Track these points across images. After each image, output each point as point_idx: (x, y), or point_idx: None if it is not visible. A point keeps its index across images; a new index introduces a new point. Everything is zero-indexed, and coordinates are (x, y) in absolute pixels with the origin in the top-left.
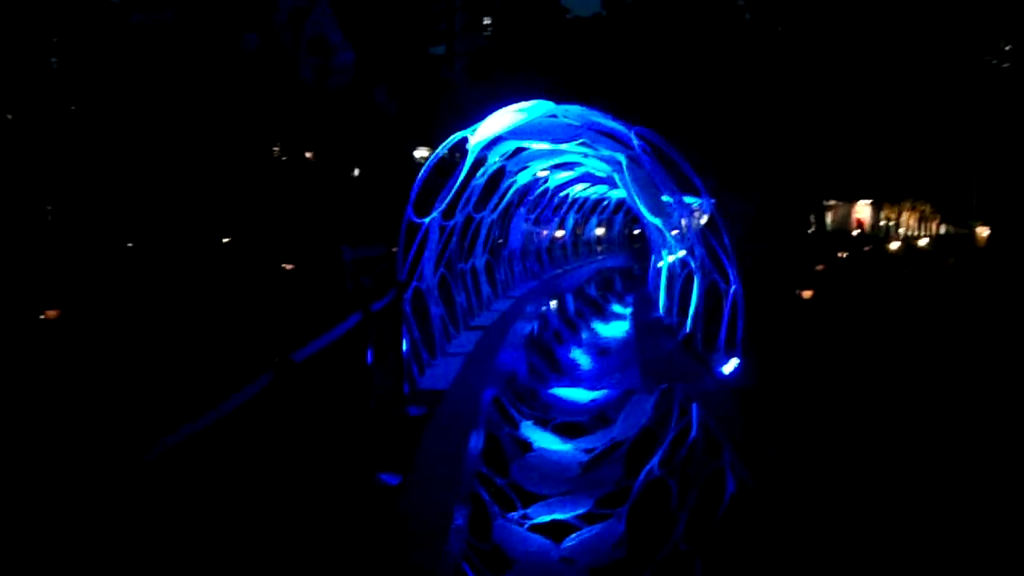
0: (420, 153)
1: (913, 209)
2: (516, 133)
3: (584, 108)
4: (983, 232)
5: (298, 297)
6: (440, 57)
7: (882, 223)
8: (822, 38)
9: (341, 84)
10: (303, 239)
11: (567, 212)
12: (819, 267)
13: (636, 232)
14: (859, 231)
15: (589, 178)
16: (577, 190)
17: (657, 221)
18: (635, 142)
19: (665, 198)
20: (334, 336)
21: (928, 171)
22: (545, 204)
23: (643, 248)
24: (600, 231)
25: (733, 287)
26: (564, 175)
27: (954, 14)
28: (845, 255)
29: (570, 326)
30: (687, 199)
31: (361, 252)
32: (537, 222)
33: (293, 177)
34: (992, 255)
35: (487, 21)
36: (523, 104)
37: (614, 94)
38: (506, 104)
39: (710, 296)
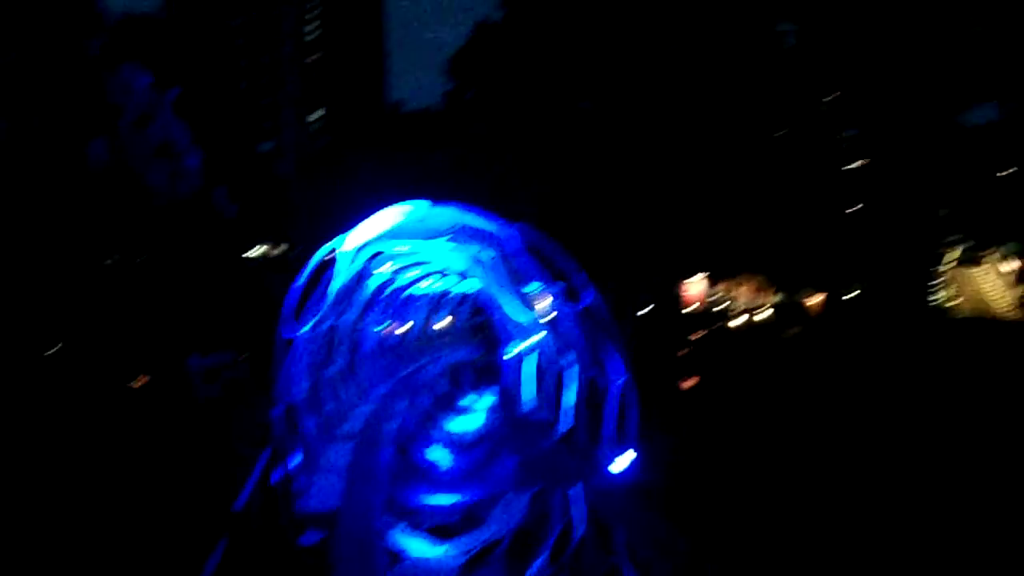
0: (258, 251)
1: (748, 283)
2: (388, 235)
3: (460, 208)
4: (815, 301)
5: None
6: (269, 154)
7: (715, 297)
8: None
9: (191, 188)
10: (149, 350)
11: (415, 308)
12: (680, 352)
13: (480, 322)
14: (695, 307)
15: (442, 272)
16: (426, 284)
17: (522, 318)
18: (513, 239)
19: (530, 287)
20: None
21: (762, 246)
22: (396, 301)
23: (487, 338)
24: (444, 323)
25: (622, 379)
26: (416, 271)
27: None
28: (700, 336)
29: (427, 421)
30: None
31: (210, 360)
32: (388, 319)
33: (133, 287)
34: (826, 322)
35: (315, 116)
36: (400, 206)
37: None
38: (342, 201)
39: (589, 388)
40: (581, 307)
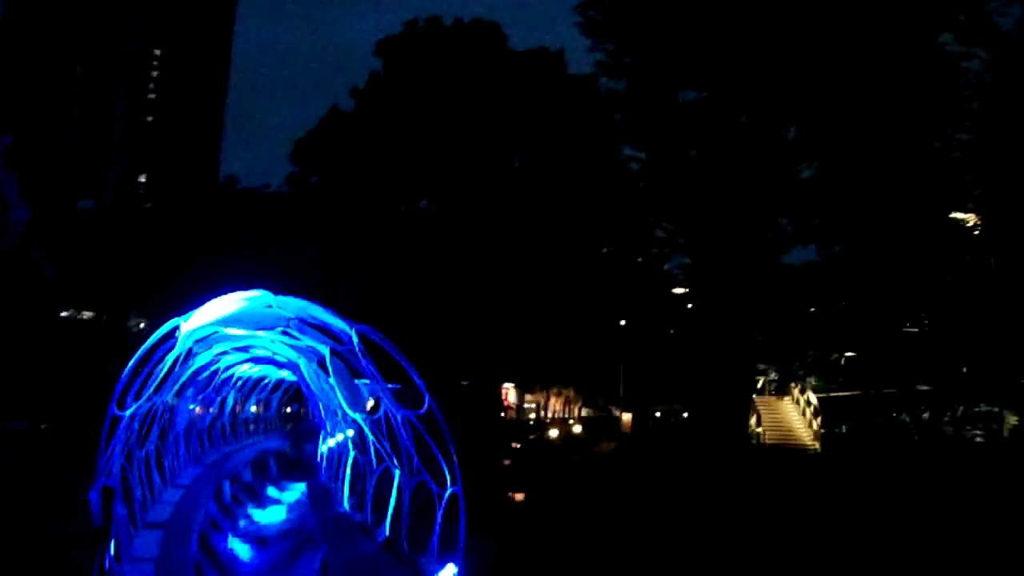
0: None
1: (559, 394)
2: (227, 321)
3: (306, 302)
4: (626, 416)
5: None
6: (91, 211)
7: (527, 405)
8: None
9: (10, 243)
10: None
11: (228, 392)
12: (506, 461)
13: (289, 411)
14: (505, 413)
15: (267, 361)
16: (243, 369)
17: (357, 416)
18: (355, 339)
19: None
20: None
21: (572, 362)
22: (212, 385)
23: (300, 430)
24: (255, 409)
25: (451, 489)
26: (239, 355)
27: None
28: (519, 446)
29: (231, 510)
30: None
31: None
32: (200, 401)
33: None
34: (636, 439)
35: (142, 179)
36: (247, 294)
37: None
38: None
39: (417, 493)
40: (417, 412)
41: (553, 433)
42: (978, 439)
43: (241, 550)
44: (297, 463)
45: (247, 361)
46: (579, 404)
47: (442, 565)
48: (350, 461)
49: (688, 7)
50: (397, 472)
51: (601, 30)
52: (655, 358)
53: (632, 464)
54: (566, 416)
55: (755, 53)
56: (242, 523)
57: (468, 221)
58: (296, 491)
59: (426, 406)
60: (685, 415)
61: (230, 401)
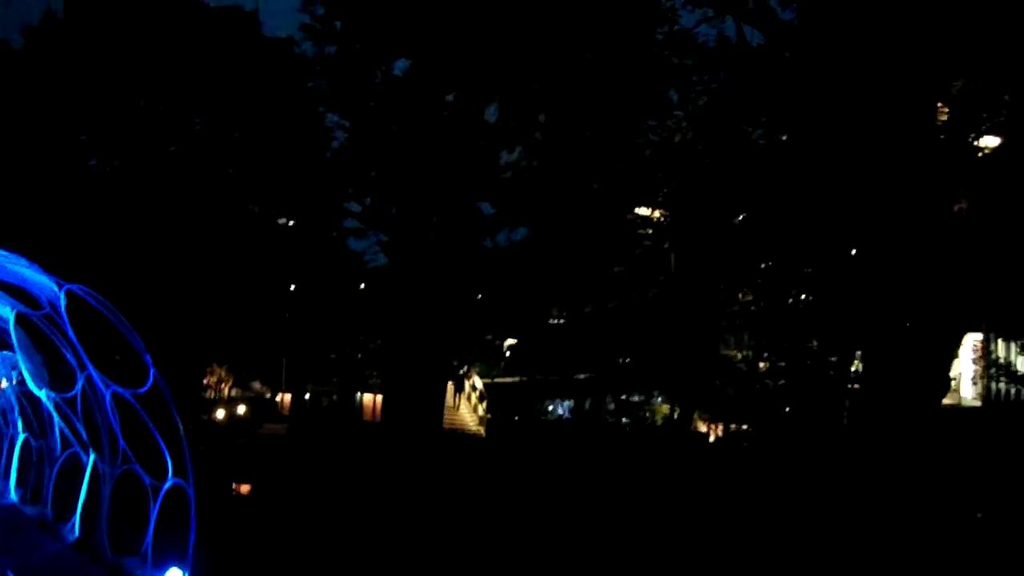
0: None
1: (212, 372)
2: None
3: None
4: (287, 397)
5: None
6: None
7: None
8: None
9: None
10: None
11: None
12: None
13: None
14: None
15: None
16: None
17: (41, 393)
18: (62, 300)
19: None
20: None
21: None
22: None
23: None
24: None
25: (171, 480)
26: None
27: None
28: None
29: None
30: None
31: None
32: None
33: None
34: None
35: None
36: None
37: None
38: None
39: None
40: (137, 391)
41: (220, 414)
42: (627, 425)
43: None
44: None
45: None
46: (230, 383)
47: (161, 570)
48: (19, 443)
49: None
50: (92, 459)
51: None
52: (328, 338)
53: (316, 447)
54: (215, 396)
55: (461, 24)
56: None
57: (144, 183)
58: None
59: (149, 383)
60: (335, 397)
61: None
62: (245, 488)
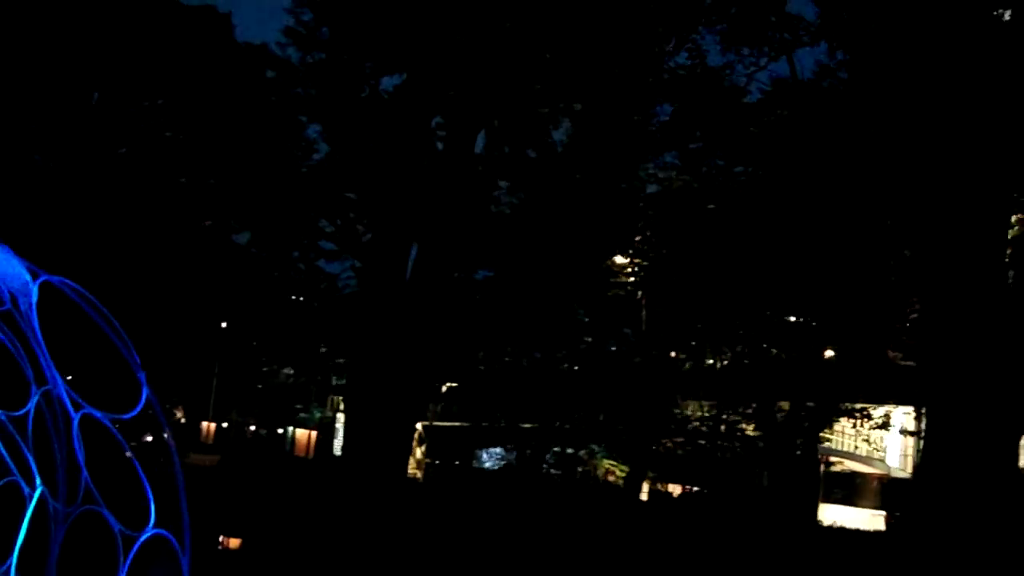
0: None
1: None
2: None
3: None
4: (212, 426)
5: None
6: None
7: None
8: None
9: None
10: None
11: None
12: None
13: None
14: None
15: None
16: None
17: None
18: (33, 295)
19: None
20: None
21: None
22: None
23: None
24: None
25: (150, 531)
26: None
27: None
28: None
29: None
30: None
31: None
32: None
33: None
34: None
35: None
36: None
37: None
38: None
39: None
40: (119, 416)
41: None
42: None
43: None
44: None
45: None
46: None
47: None
48: None
49: None
50: (37, 493)
51: None
52: (266, 364)
53: (262, 486)
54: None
55: (455, 43)
56: None
57: (86, 184)
58: None
59: (140, 406)
60: (254, 427)
61: None
62: (235, 542)
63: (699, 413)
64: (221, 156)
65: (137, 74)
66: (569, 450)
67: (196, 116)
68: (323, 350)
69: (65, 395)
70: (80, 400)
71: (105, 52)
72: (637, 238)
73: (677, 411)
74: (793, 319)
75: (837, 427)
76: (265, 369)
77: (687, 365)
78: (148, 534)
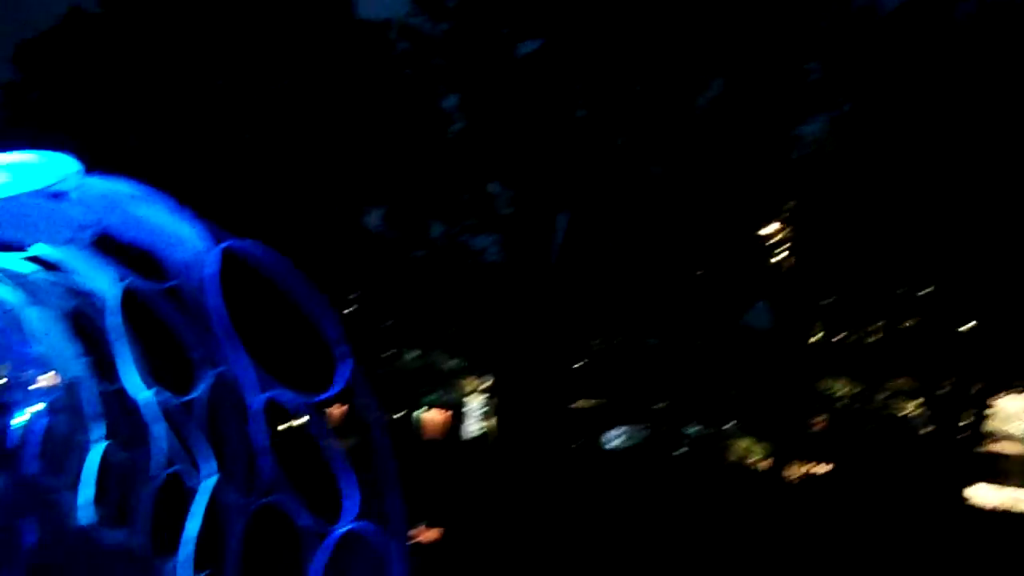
0: None
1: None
2: None
3: (132, 190)
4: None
5: None
6: None
7: None
8: None
9: None
10: None
11: None
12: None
13: None
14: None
15: None
16: None
17: (146, 394)
18: (215, 262)
19: None
20: None
21: None
22: None
23: None
24: None
25: (348, 525)
26: None
27: None
28: None
29: None
30: None
31: None
32: None
33: None
34: None
35: None
36: (30, 156)
37: None
38: None
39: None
40: (314, 398)
41: None
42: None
43: None
44: None
45: None
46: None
47: None
48: (97, 454)
49: None
50: (210, 482)
51: None
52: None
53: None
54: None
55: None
56: None
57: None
58: None
59: (340, 385)
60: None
61: None
62: (432, 534)
63: (846, 390)
64: (352, 134)
65: (262, 55)
66: (701, 429)
67: (322, 95)
68: (455, 330)
69: (247, 375)
70: (266, 380)
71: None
72: (788, 205)
73: (824, 389)
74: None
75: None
76: (390, 352)
77: (836, 338)
78: (346, 527)
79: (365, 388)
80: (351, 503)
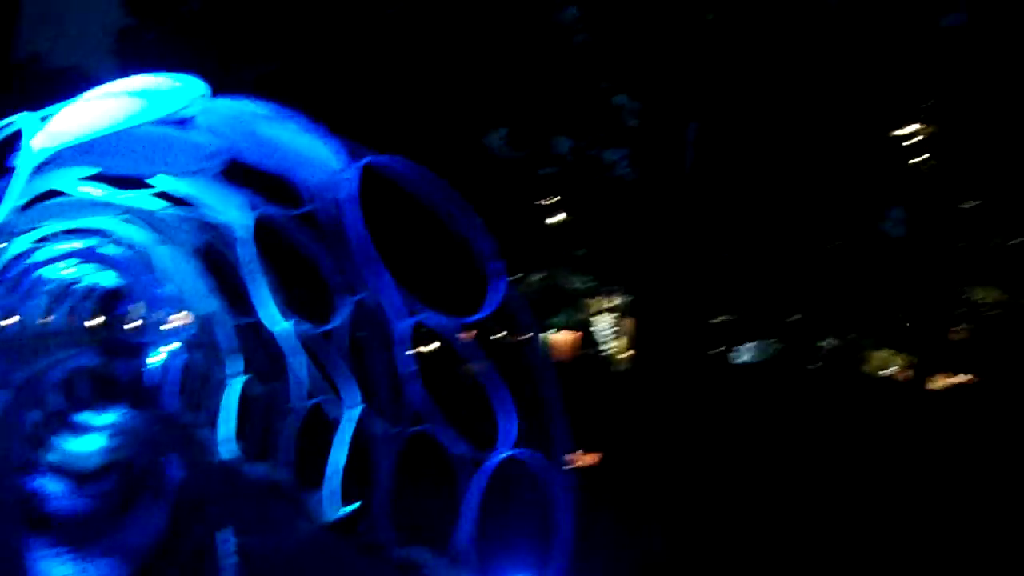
0: None
1: None
2: (107, 145)
3: (260, 109)
4: None
5: None
6: None
7: None
8: None
9: None
10: None
11: (39, 295)
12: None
13: (102, 321)
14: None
15: (92, 256)
16: (58, 268)
17: (285, 325)
18: (353, 181)
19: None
20: None
21: None
22: (23, 283)
23: (113, 341)
24: (49, 319)
25: (507, 451)
26: (67, 246)
27: None
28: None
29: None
30: None
31: None
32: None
33: None
34: None
35: None
36: (155, 80)
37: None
38: None
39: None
40: (464, 319)
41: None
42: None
43: (54, 489)
44: (116, 383)
45: (69, 256)
46: None
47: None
48: (236, 388)
49: None
50: (354, 412)
51: None
52: None
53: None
54: None
55: None
56: (53, 456)
57: None
58: (112, 416)
59: (494, 304)
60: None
61: (41, 308)
62: (589, 458)
63: (990, 298)
64: (471, 51)
65: None
66: (836, 341)
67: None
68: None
69: (391, 300)
70: (414, 305)
71: None
72: (928, 103)
73: (966, 296)
74: None
75: None
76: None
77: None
78: (505, 454)
79: (524, 307)
80: (509, 428)
